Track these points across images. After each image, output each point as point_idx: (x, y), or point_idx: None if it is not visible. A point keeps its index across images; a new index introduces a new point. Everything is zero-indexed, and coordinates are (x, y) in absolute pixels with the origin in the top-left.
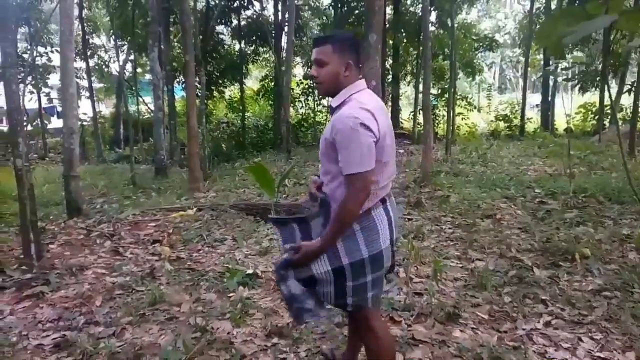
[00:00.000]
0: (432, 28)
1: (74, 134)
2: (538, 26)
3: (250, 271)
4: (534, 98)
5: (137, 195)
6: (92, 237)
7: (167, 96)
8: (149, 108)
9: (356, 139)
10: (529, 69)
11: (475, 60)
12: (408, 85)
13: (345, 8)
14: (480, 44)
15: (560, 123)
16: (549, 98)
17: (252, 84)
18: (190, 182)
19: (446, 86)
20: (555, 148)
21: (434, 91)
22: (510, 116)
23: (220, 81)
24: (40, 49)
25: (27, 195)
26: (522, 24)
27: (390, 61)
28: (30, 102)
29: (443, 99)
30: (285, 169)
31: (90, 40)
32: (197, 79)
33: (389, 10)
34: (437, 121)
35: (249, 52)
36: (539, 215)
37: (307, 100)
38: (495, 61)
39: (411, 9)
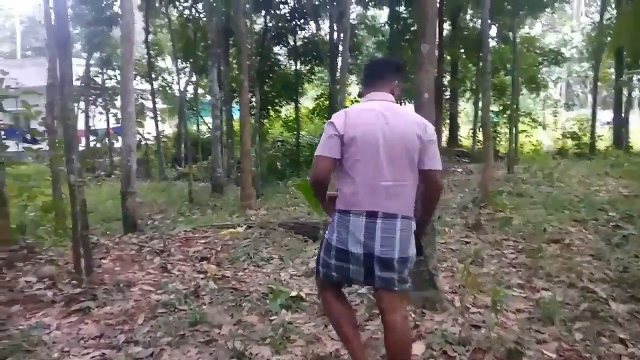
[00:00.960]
0: (492, 42)
1: (132, 152)
2: (609, 38)
3: (294, 293)
4: (605, 115)
5: (193, 212)
6: (143, 253)
7: (225, 116)
8: (208, 127)
9: (324, 131)
10: (598, 83)
11: (539, 76)
12: (467, 101)
13: (402, 24)
14: (545, 58)
15: (635, 141)
16: (622, 114)
17: (307, 102)
18: (243, 199)
19: (508, 102)
20: (631, 167)
21: (495, 107)
22: (579, 133)
23: (276, 100)
24: (110, 72)
25: (79, 211)
26: (591, 35)
27: (449, 77)
28: (99, 122)
29: (505, 115)
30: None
31: (155, 63)
32: (253, 98)
33: (446, 25)
34: (498, 139)
35: (304, 71)
36: (614, 241)
37: None
38: (562, 76)
39: (470, 23)
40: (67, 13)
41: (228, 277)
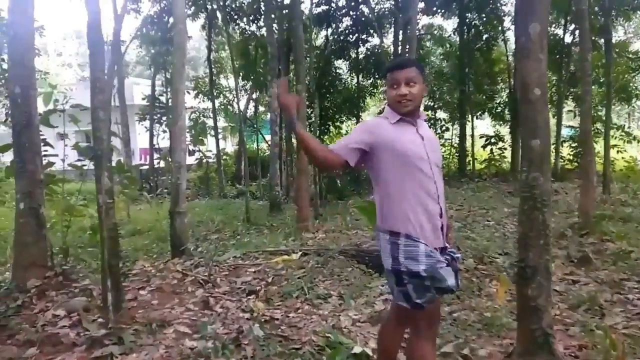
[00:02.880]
0: (575, 48)
1: (182, 169)
2: None
3: (357, 348)
4: None
5: (249, 232)
6: (185, 283)
7: (285, 132)
8: (268, 145)
9: None
10: None
11: (631, 84)
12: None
13: (473, 31)
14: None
15: None
16: None
17: (369, 117)
18: (299, 220)
19: (596, 113)
20: None
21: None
22: None
23: (337, 116)
24: None
25: (107, 237)
26: None
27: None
28: (162, 141)
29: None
30: None
31: (217, 81)
32: (312, 113)
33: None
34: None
35: (366, 85)
36: None
37: None
38: None
39: (550, 30)
40: (98, 19)
41: (277, 319)
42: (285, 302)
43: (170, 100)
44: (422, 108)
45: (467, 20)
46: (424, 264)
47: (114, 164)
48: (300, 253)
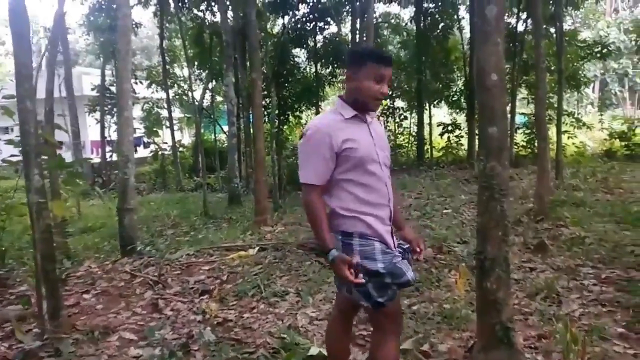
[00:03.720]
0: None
1: (129, 163)
2: None
3: (314, 349)
4: None
5: (207, 227)
6: (133, 285)
7: (243, 123)
8: (227, 136)
9: None
10: None
11: (580, 72)
12: None
13: (429, 20)
14: (589, 52)
15: None
16: None
17: (329, 107)
18: (257, 214)
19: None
20: None
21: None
22: (629, 134)
23: (296, 105)
24: None
25: (40, 239)
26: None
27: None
28: (115, 133)
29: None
30: None
31: (171, 71)
32: (269, 101)
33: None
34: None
35: (325, 74)
36: None
37: (387, 121)
38: (597, 74)
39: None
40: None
41: (231, 320)
42: (240, 301)
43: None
44: None
45: (424, 8)
46: (382, 262)
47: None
48: (257, 248)
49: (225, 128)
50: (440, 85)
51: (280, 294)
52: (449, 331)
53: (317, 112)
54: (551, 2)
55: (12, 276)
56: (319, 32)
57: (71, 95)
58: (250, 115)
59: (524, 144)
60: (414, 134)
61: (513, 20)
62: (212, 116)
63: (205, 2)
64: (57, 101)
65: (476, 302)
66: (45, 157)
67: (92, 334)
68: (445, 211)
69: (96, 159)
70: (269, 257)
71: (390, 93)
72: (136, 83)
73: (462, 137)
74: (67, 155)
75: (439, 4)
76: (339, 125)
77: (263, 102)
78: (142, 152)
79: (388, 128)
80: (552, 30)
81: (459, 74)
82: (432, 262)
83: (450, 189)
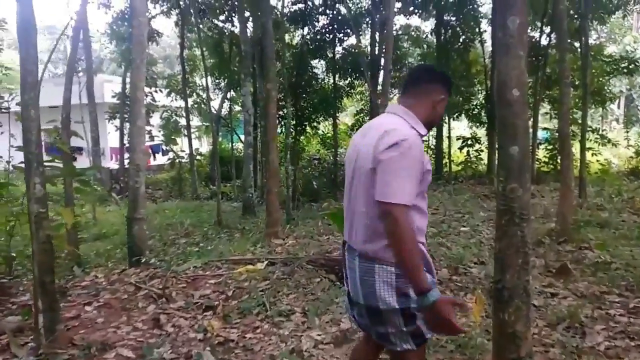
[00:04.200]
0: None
1: (141, 172)
2: None
3: None
4: None
5: (220, 236)
6: (137, 297)
7: (260, 132)
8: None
9: None
10: None
11: (606, 87)
12: None
13: (450, 33)
14: (615, 67)
15: None
16: None
17: (346, 118)
18: (268, 226)
19: (572, 116)
20: None
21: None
22: None
23: (313, 116)
24: (146, 89)
25: (38, 251)
26: None
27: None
28: None
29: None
30: None
31: (190, 79)
32: (286, 112)
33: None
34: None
35: (343, 85)
36: None
37: None
38: (622, 90)
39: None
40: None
41: (232, 340)
42: (244, 319)
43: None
44: None
45: (445, 21)
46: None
47: (79, 163)
48: (266, 262)
49: (243, 137)
50: (461, 99)
51: (285, 313)
52: None
53: (335, 124)
54: (576, 16)
55: (16, 285)
56: (338, 44)
57: (92, 103)
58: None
59: (546, 160)
60: (432, 147)
61: (537, 34)
62: (229, 125)
63: (225, 13)
64: (78, 108)
65: (492, 334)
66: (55, 165)
67: (88, 349)
68: (462, 229)
69: (114, 166)
70: (277, 273)
71: None
72: (156, 91)
73: (482, 151)
74: (87, 162)
75: (460, 16)
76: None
77: (280, 113)
78: (160, 160)
79: None
80: (577, 44)
81: (479, 87)
82: (447, 284)
83: (469, 205)
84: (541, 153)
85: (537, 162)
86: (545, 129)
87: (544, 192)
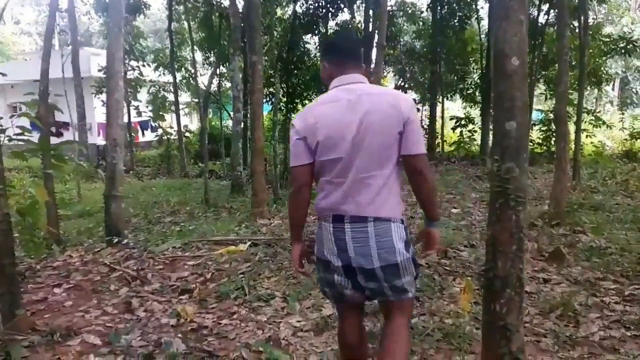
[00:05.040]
0: (549, 29)
1: (118, 147)
2: None
3: None
4: None
5: (206, 215)
6: (110, 279)
7: (250, 109)
8: None
9: (290, 137)
10: None
11: (602, 68)
12: None
13: (446, 9)
14: (613, 47)
15: None
16: None
17: None
18: (253, 205)
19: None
20: None
21: (541, 105)
22: None
23: (305, 93)
24: (133, 63)
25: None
26: None
27: None
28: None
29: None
30: None
31: (178, 53)
32: (274, 88)
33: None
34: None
35: None
36: None
37: None
38: (618, 72)
39: None
40: None
41: (206, 327)
42: (220, 304)
43: (128, 73)
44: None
45: None
46: None
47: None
48: (248, 243)
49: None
50: (455, 78)
51: (265, 298)
52: (449, 351)
53: None
54: None
55: None
56: (331, 19)
57: (77, 76)
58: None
59: (540, 141)
60: (425, 127)
61: (534, 11)
62: (219, 102)
63: None
64: (61, 81)
65: (482, 326)
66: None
67: (51, 335)
68: (453, 210)
69: (102, 142)
70: (259, 254)
71: (403, 84)
72: (144, 65)
73: (475, 131)
74: (74, 137)
75: None
76: None
77: (271, 90)
78: (149, 137)
79: None
80: (575, 23)
81: (475, 67)
82: (436, 268)
83: (460, 185)
84: (535, 134)
85: (531, 144)
86: (538, 109)
87: (536, 173)
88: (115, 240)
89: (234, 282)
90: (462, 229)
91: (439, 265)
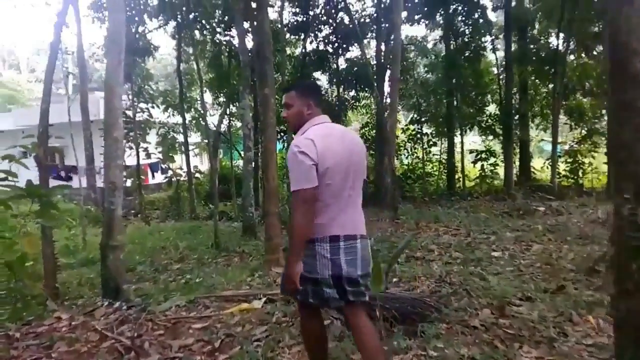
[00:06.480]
0: (571, 57)
1: (117, 191)
2: None
3: None
4: None
5: (216, 261)
6: (100, 350)
7: (261, 148)
8: None
9: (298, 163)
10: None
11: None
12: (537, 128)
13: (459, 41)
14: None
15: None
16: None
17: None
18: (267, 251)
19: (590, 127)
20: None
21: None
22: None
23: None
24: (142, 105)
25: None
26: None
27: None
28: (129, 158)
29: (589, 143)
30: (391, 232)
31: (188, 94)
32: (284, 126)
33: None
34: (581, 171)
35: (348, 98)
36: None
37: (415, 148)
38: None
39: (542, 39)
40: None
41: None
42: None
43: (137, 115)
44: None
45: (454, 28)
46: None
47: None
48: (264, 299)
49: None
50: (472, 110)
51: None
52: None
53: None
54: (595, 20)
55: None
56: (342, 54)
57: (86, 120)
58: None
59: (566, 173)
60: (443, 161)
61: (553, 40)
62: (229, 141)
63: (223, 25)
64: (72, 125)
65: None
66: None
67: None
68: (494, 254)
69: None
70: (277, 314)
71: (418, 117)
72: (153, 107)
73: (497, 165)
74: (82, 182)
75: (470, 22)
76: None
77: (282, 127)
78: (158, 178)
79: (415, 155)
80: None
81: (492, 98)
82: (495, 332)
83: (491, 223)
84: (561, 166)
85: (558, 176)
86: (559, 142)
87: (569, 208)
88: (108, 302)
89: (248, 354)
90: (510, 277)
91: (497, 326)
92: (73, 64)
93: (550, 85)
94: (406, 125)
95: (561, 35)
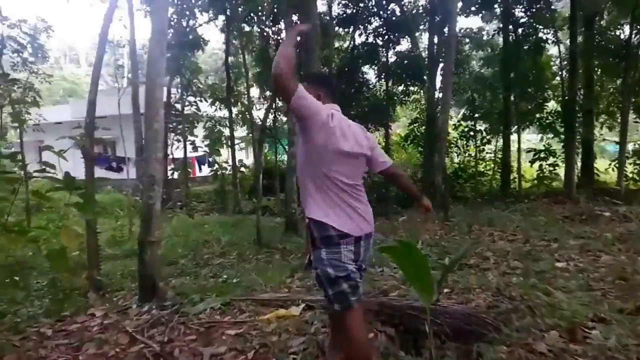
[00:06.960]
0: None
1: (155, 185)
2: None
3: None
4: None
5: (257, 257)
6: (128, 354)
7: None
8: None
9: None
10: None
11: None
12: (602, 126)
13: (519, 33)
14: None
15: None
16: None
17: (398, 130)
18: (307, 252)
19: None
20: None
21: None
22: None
23: (364, 125)
24: (190, 99)
25: None
26: None
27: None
28: (177, 150)
29: None
30: (441, 235)
31: (235, 88)
32: None
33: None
34: None
35: (396, 92)
36: None
37: (467, 146)
38: None
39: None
40: None
41: None
42: None
43: (185, 109)
44: None
45: (514, 18)
46: None
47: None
48: (302, 305)
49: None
50: (530, 107)
51: None
52: None
53: (387, 133)
54: None
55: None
56: (392, 47)
57: (137, 112)
58: None
59: (635, 176)
60: (497, 160)
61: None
62: (274, 135)
63: (272, 17)
64: (121, 118)
65: None
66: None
67: None
68: (558, 265)
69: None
70: (316, 323)
71: (471, 113)
72: (201, 100)
73: (557, 165)
74: (132, 173)
75: (532, 10)
76: None
77: None
78: (205, 171)
79: (468, 153)
80: None
81: (554, 93)
82: (565, 359)
83: (551, 229)
84: (629, 168)
85: (625, 179)
86: (616, 142)
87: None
88: (142, 302)
89: None
90: (578, 294)
91: (567, 353)
92: (128, 57)
93: (619, 81)
94: (458, 121)
95: (634, 26)
